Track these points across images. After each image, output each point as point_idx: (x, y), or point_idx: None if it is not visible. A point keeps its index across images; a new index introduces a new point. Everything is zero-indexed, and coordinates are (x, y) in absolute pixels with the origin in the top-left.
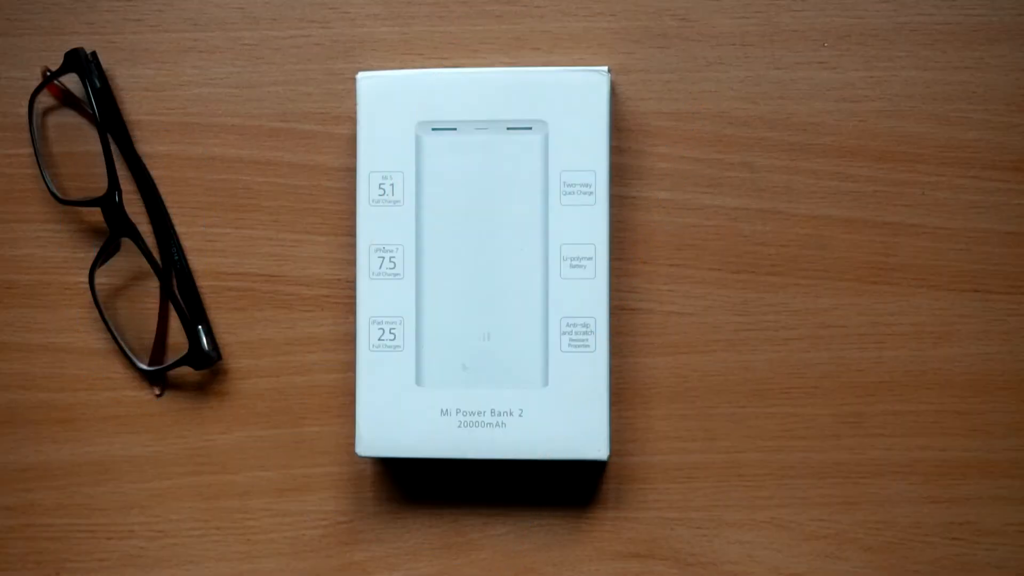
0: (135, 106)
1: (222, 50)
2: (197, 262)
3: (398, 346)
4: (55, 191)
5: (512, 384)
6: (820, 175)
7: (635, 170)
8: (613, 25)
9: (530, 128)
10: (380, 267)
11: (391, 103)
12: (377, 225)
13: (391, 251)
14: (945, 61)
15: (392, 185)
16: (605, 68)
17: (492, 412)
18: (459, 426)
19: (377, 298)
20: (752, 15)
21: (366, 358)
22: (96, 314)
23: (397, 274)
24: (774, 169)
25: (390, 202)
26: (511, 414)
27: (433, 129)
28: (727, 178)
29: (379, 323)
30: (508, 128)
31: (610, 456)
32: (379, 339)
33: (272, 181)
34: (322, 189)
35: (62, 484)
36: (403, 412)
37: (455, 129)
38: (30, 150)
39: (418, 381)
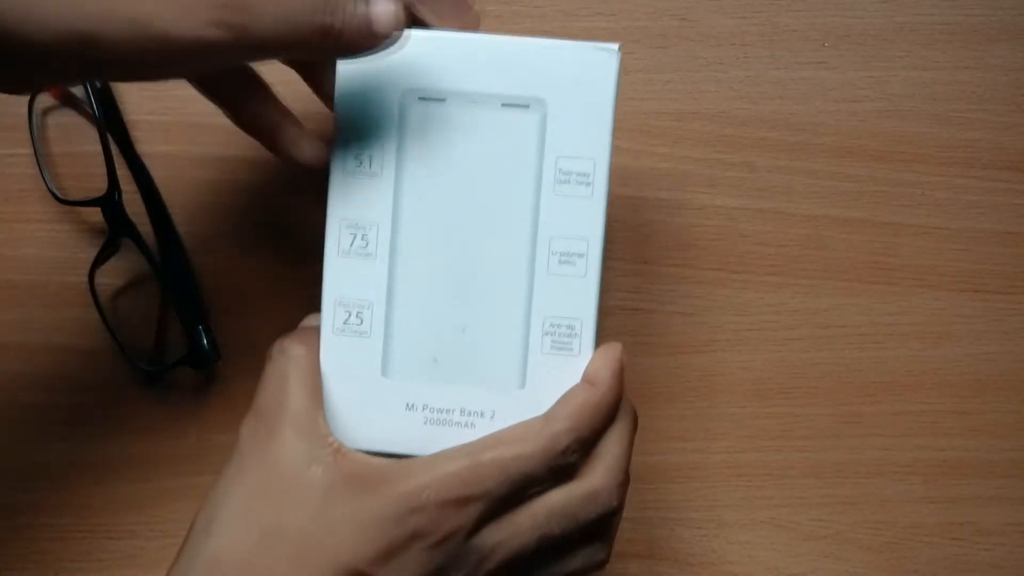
0: (135, 106)
1: None
2: (197, 262)
3: (365, 332)
4: (55, 191)
5: (486, 383)
6: (820, 175)
7: (635, 170)
8: (613, 25)
9: (527, 106)
10: (351, 245)
11: (375, 65)
12: (351, 199)
13: (364, 228)
14: (945, 61)
15: (371, 156)
16: (615, 46)
17: (462, 411)
18: (425, 423)
19: (345, 278)
20: (752, 15)
21: (330, 342)
22: (96, 314)
23: (369, 254)
24: (774, 169)
25: (367, 175)
26: (482, 415)
27: (420, 99)
28: (727, 178)
29: (345, 305)
30: (503, 104)
31: None
32: (344, 322)
33: (272, 181)
34: (322, 189)
35: (61, 484)
36: (366, 403)
37: (444, 100)
38: (30, 150)
39: (384, 371)
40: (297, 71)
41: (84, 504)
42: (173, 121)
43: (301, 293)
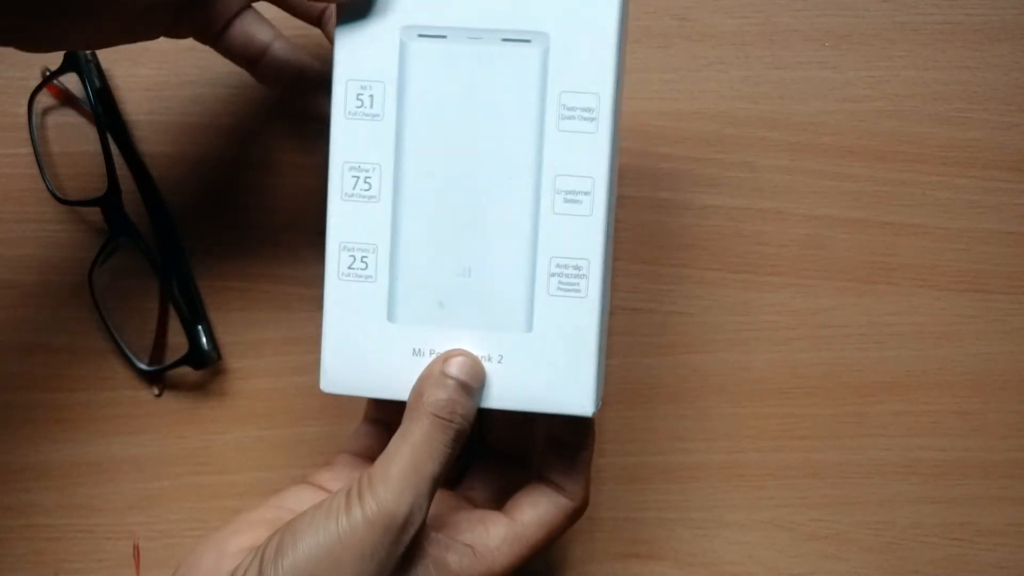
0: (135, 106)
1: None
2: (197, 262)
3: (370, 276)
4: (55, 191)
5: (492, 327)
6: (820, 175)
7: (635, 170)
8: None
9: (529, 41)
10: (354, 188)
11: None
12: (353, 141)
13: (367, 170)
14: (945, 61)
15: (371, 96)
16: None
17: None
18: None
19: (349, 221)
20: (752, 15)
21: (334, 287)
22: (96, 314)
23: (372, 196)
24: (774, 169)
25: (368, 116)
26: (489, 359)
27: (420, 36)
28: (727, 178)
29: (350, 249)
30: (504, 39)
31: (610, 456)
32: (349, 267)
33: (272, 181)
34: (323, 189)
35: (61, 484)
36: (372, 349)
37: (445, 37)
38: (30, 150)
39: (390, 317)
40: (301, 17)
41: (84, 504)
42: (173, 121)
43: (301, 293)
